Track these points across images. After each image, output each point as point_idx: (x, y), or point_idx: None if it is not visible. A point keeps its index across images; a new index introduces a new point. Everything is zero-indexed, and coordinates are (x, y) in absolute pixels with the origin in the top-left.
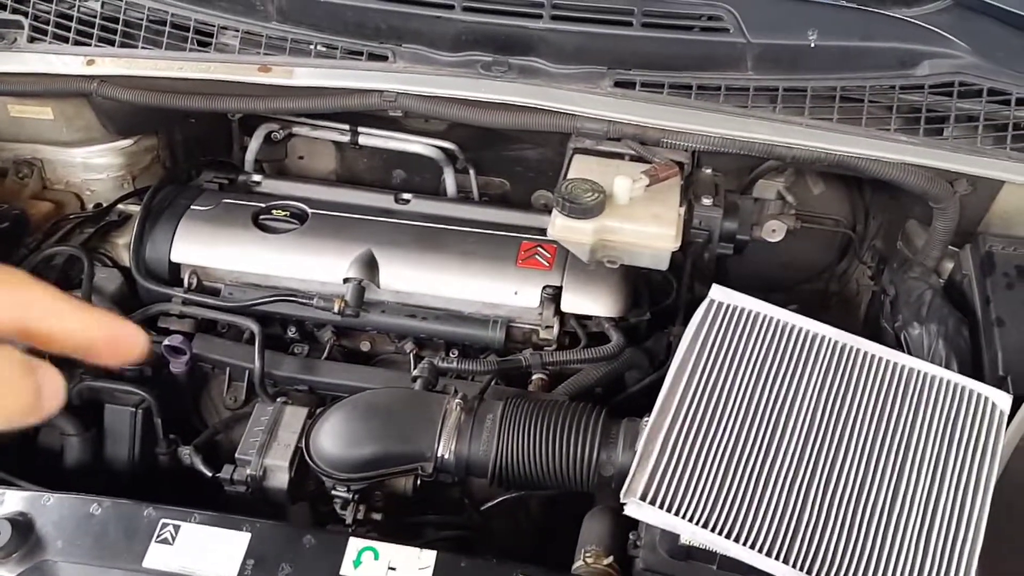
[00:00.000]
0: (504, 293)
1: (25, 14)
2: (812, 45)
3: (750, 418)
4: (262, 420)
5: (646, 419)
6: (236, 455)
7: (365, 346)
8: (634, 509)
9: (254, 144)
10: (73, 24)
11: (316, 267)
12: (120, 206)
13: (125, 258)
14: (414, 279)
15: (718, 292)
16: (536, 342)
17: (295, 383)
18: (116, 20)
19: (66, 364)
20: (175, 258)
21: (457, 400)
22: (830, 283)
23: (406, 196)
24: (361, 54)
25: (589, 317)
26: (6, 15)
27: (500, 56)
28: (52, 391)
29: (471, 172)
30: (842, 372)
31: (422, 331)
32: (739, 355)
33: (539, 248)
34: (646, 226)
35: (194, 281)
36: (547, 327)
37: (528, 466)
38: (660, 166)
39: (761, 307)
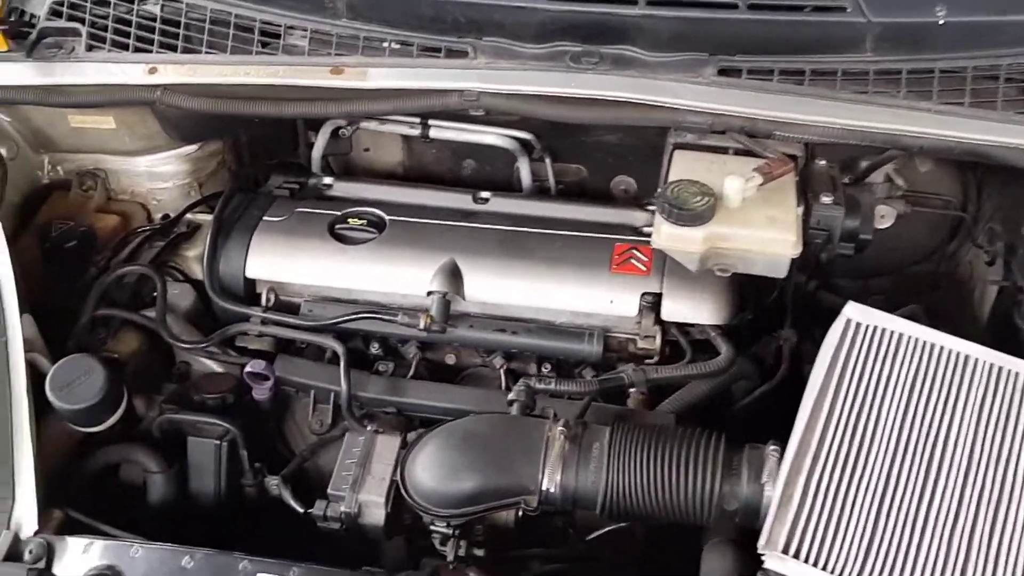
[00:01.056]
0: (599, 302)
1: (82, 20)
2: (941, 22)
3: (901, 455)
4: (353, 452)
5: (772, 447)
6: (328, 491)
7: (450, 359)
8: (776, 563)
9: (320, 141)
10: (132, 30)
11: (398, 279)
12: (188, 216)
13: (197, 271)
14: (501, 289)
15: (854, 310)
16: (634, 352)
17: (383, 405)
18: (177, 23)
19: (146, 391)
20: (250, 274)
21: (560, 427)
22: (940, 264)
23: (484, 195)
24: (439, 50)
25: (692, 324)
26: (62, 23)
27: (590, 46)
28: None
29: (547, 161)
30: (1001, 399)
31: (513, 346)
32: (884, 383)
33: (634, 251)
34: (762, 231)
35: (271, 298)
36: (647, 337)
37: (642, 500)
38: (773, 162)
39: (903, 326)
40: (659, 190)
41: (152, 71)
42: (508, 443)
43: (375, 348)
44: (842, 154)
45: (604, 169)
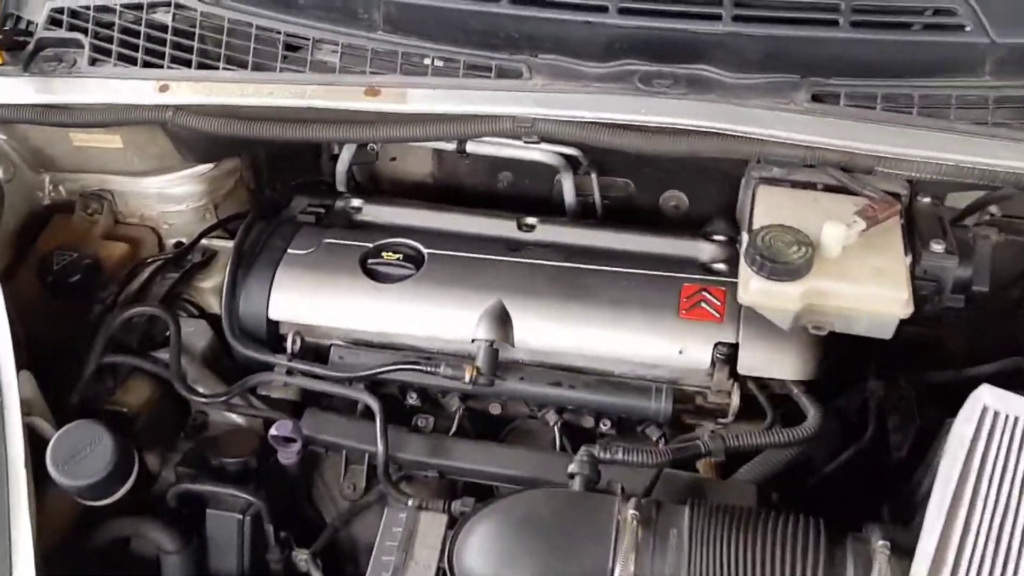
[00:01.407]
0: (666, 351)
1: (84, 31)
2: None
3: None
4: (394, 532)
5: (880, 542)
6: None
7: (495, 409)
8: None
9: (345, 155)
10: (140, 41)
11: (439, 323)
12: (203, 242)
13: (214, 304)
14: (554, 336)
15: (990, 396)
16: (704, 406)
17: (423, 468)
18: (190, 35)
19: (159, 446)
20: (274, 315)
21: (631, 509)
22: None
23: (530, 221)
24: (488, 69)
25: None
26: (62, 33)
27: (662, 65)
28: None
29: (593, 176)
30: None
31: (570, 401)
32: None
33: (704, 293)
34: (868, 286)
35: (298, 343)
36: (719, 391)
37: None
38: (877, 203)
39: None
40: (745, 237)
41: (163, 89)
42: (573, 526)
43: (412, 399)
44: (934, 186)
45: (653, 184)
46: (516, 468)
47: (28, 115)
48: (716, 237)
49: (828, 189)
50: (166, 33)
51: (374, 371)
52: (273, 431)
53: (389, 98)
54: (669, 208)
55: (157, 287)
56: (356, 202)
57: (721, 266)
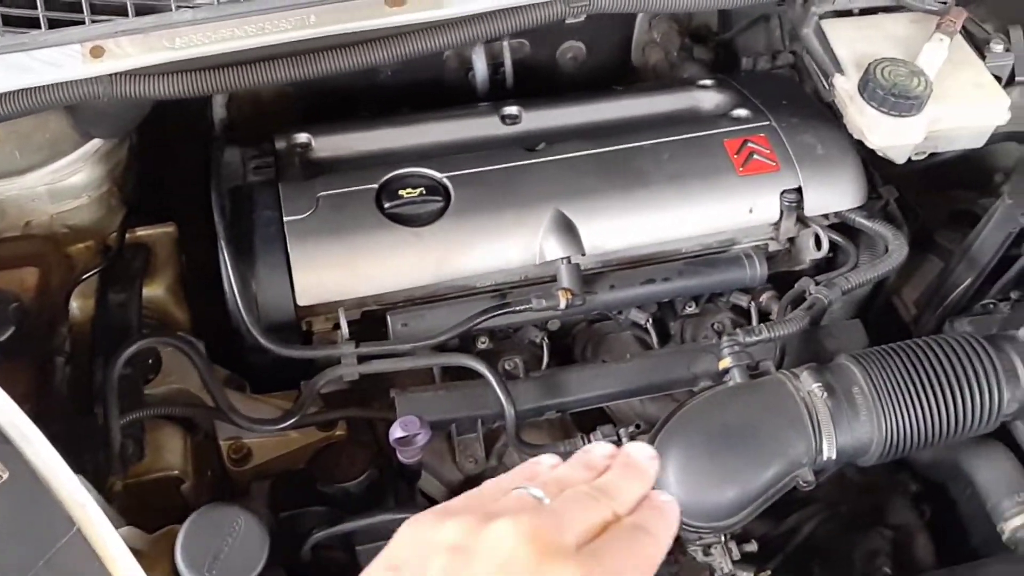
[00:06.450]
0: (735, 214)
1: None
2: None
3: None
4: None
5: None
6: None
7: (554, 326)
8: None
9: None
10: None
11: (499, 254)
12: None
13: (176, 312)
14: (625, 229)
15: None
16: (785, 258)
17: (541, 411)
18: None
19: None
20: (303, 300)
21: (813, 383)
22: None
23: (511, 111)
24: None
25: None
26: None
27: None
28: None
29: (504, 41)
30: None
31: (667, 294)
32: None
33: (750, 144)
34: (973, 102)
35: (348, 322)
36: (787, 239)
37: (921, 431)
38: (953, 15)
39: None
40: (861, 76)
41: (96, 53)
42: (762, 420)
43: (483, 343)
44: None
45: (548, 38)
46: (638, 380)
47: None
48: (703, 82)
49: (866, 12)
50: None
51: (469, 325)
52: (400, 431)
53: (419, 5)
54: (567, 61)
55: (114, 312)
56: (302, 137)
57: (742, 111)
